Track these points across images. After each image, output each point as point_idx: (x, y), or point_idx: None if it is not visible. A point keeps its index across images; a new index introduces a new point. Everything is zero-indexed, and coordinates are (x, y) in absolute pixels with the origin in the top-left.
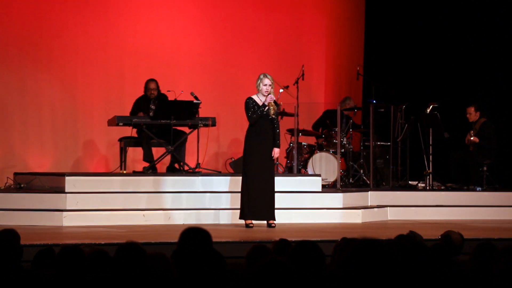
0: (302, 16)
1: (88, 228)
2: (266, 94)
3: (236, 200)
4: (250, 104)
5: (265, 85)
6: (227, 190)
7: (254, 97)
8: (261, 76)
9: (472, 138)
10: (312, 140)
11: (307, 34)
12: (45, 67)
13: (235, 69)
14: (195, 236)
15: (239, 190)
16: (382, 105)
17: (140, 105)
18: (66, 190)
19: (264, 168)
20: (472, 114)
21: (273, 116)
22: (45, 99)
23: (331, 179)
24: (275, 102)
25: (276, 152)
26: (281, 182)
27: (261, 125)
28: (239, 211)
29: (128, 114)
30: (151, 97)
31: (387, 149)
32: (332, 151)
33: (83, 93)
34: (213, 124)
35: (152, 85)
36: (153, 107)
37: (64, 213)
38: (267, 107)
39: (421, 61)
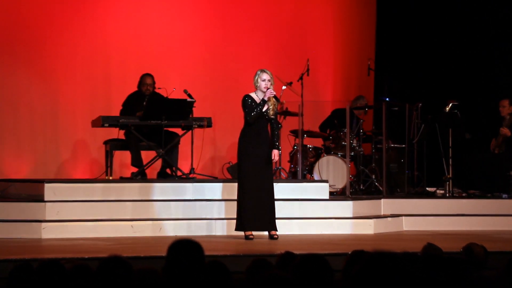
0: (306, 5)
1: (70, 241)
2: (265, 90)
3: (232, 209)
4: (247, 102)
5: (264, 80)
6: (222, 198)
7: (252, 94)
8: (259, 72)
9: (504, 130)
10: (318, 142)
11: (313, 24)
12: (22, 61)
13: (233, 64)
14: (184, 249)
15: (235, 198)
16: (396, 103)
17: (133, 102)
18: (45, 199)
19: (262, 173)
20: (506, 107)
21: (272, 117)
22: (22, 97)
23: (340, 185)
24: (275, 97)
25: (275, 154)
26: (284, 189)
27: (259, 125)
28: (234, 221)
29: (114, 114)
30: (146, 93)
31: (402, 152)
32: (341, 155)
33: (64, 90)
34: (209, 125)
35: (149, 80)
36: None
37: (43, 224)
38: (266, 107)
39: (439, 54)
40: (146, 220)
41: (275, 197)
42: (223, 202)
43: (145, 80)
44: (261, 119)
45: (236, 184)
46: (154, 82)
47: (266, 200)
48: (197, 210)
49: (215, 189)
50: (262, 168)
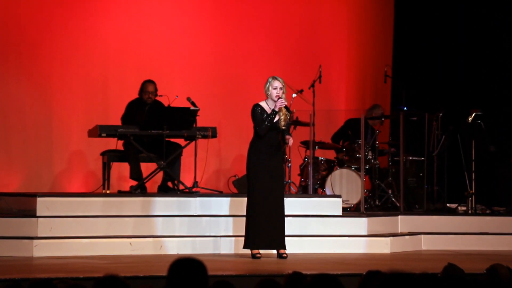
0: (319, 7)
1: (64, 260)
2: (276, 99)
3: (240, 226)
4: (257, 112)
5: (275, 88)
6: (229, 213)
7: (263, 103)
8: (270, 79)
9: None
10: (331, 155)
11: (325, 28)
12: (13, 66)
13: (240, 70)
14: (186, 268)
15: (244, 213)
16: (414, 113)
17: (134, 110)
18: (38, 214)
19: (273, 188)
20: None
21: (284, 128)
22: (13, 104)
23: (354, 200)
24: (286, 108)
25: (289, 138)
26: (294, 204)
27: (269, 136)
28: (243, 238)
29: (112, 123)
30: (148, 101)
31: (421, 165)
32: (355, 168)
33: (58, 97)
34: (214, 136)
35: (151, 88)
36: None
37: (35, 241)
38: (278, 117)
39: (462, 60)
40: (146, 237)
41: (285, 213)
42: (231, 218)
43: (147, 87)
44: (272, 130)
45: (244, 199)
46: (156, 90)
47: (275, 216)
48: (202, 227)
49: (222, 204)
50: (272, 182)
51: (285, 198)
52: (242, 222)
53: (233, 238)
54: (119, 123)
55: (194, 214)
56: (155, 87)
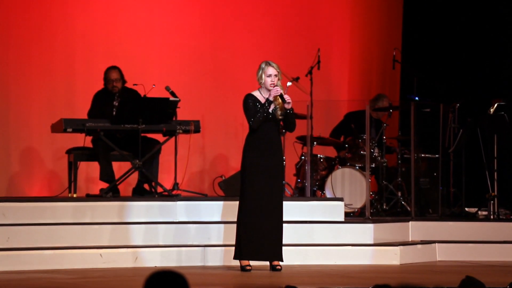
0: None
1: (23, 274)
2: (271, 87)
3: (229, 234)
4: (250, 103)
5: (269, 75)
6: (218, 219)
7: (256, 93)
8: (263, 65)
9: None
10: (331, 152)
11: (325, 7)
12: None
13: (228, 54)
14: (165, 283)
15: (234, 220)
16: (427, 104)
17: (101, 101)
18: None
19: (271, 190)
20: None
21: (280, 118)
22: None
23: (358, 204)
24: (281, 96)
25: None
26: (289, 209)
27: (267, 130)
28: (233, 248)
29: (79, 116)
30: (113, 90)
31: (435, 164)
32: (359, 167)
33: (16, 88)
34: (197, 130)
35: (114, 75)
36: (117, 104)
37: None
38: (273, 106)
39: (482, 43)
40: (119, 247)
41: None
42: (219, 225)
43: (110, 75)
44: (268, 123)
45: (234, 203)
46: (122, 76)
47: (273, 223)
48: (186, 235)
49: (208, 209)
50: (270, 184)
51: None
52: (233, 229)
53: (222, 248)
54: (86, 117)
55: (176, 221)
56: (120, 74)
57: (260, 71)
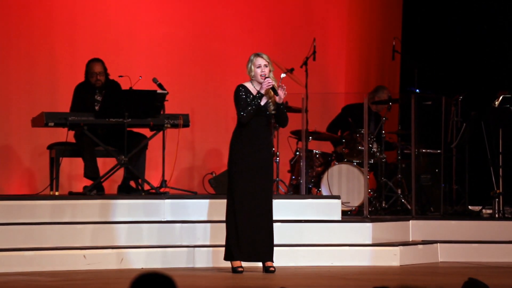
0: None
1: (2, 277)
2: (262, 79)
3: (219, 234)
4: (241, 95)
5: (259, 66)
6: (207, 219)
7: (248, 84)
8: (251, 57)
9: None
10: (327, 147)
11: None
12: None
13: (219, 44)
14: (152, 285)
15: (224, 219)
16: (428, 96)
17: (83, 95)
18: None
19: (260, 187)
20: None
21: (273, 112)
22: None
23: (356, 202)
24: (273, 89)
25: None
26: (283, 207)
27: (257, 124)
28: (223, 249)
29: (61, 110)
30: (96, 84)
31: (437, 160)
32: (357, 163)
33: None
34: (186, 124)
35: (97, 68)
36: (99, 98)
37: None
38: (265, 100)
39: (487, 32)
40: (104, 248)
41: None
42: (208, 224)
43: (93, 67)
44: (259, 116)
45: (224, 201)
46: (105, 69)
47: (262, 221)
48: (173, 235)
49: (197, 208)
50: (259, 180)
51: (273, 200)
52: (222, 228)
53: (210, 249)
54: (68, 110)
55: (163, 220)
56: (103, 66)
57: (250, 64)
